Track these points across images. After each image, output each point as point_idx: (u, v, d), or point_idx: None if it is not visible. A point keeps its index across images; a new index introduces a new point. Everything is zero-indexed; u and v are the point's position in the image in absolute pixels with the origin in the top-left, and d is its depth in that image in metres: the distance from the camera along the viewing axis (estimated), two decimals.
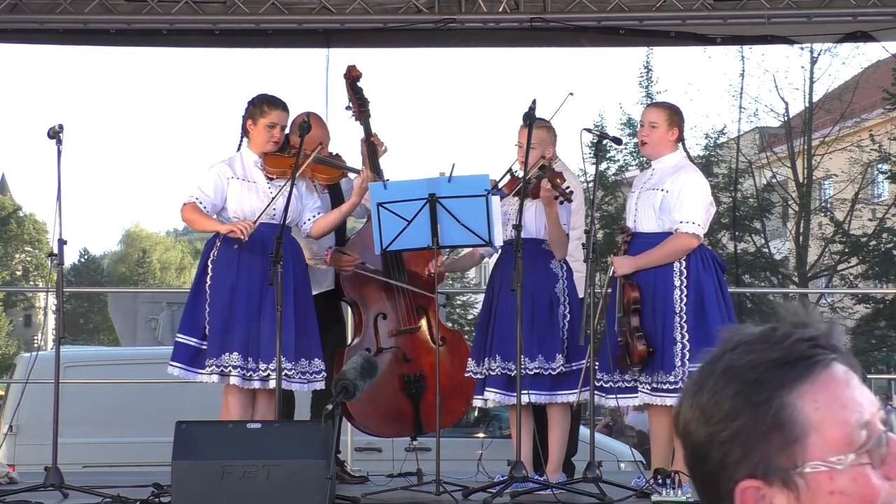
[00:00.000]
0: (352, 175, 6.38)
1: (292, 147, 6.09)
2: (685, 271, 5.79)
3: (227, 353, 5.75)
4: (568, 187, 5.89)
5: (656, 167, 5.99)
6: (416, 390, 6.44)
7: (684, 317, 5.73)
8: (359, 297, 6.47)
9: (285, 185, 5.83)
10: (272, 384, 5.74)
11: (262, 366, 5.72)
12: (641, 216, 5.89)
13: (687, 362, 5.68)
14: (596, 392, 5.83)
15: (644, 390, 5.78)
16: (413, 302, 6.52)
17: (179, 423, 5.18)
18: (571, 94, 6.02)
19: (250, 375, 5.76)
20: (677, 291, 5.76)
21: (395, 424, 6.50)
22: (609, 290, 5.88)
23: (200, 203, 5.90)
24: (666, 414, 5.77)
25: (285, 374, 5.74)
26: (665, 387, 5.70)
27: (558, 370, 5.93)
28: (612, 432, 14.51)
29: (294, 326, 5.79)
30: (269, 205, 5.84)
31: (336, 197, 6.46)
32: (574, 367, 5.97)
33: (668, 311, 5.74)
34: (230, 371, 5.74)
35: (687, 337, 5.71)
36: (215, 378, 5.77)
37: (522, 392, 5.73)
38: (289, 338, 5.77)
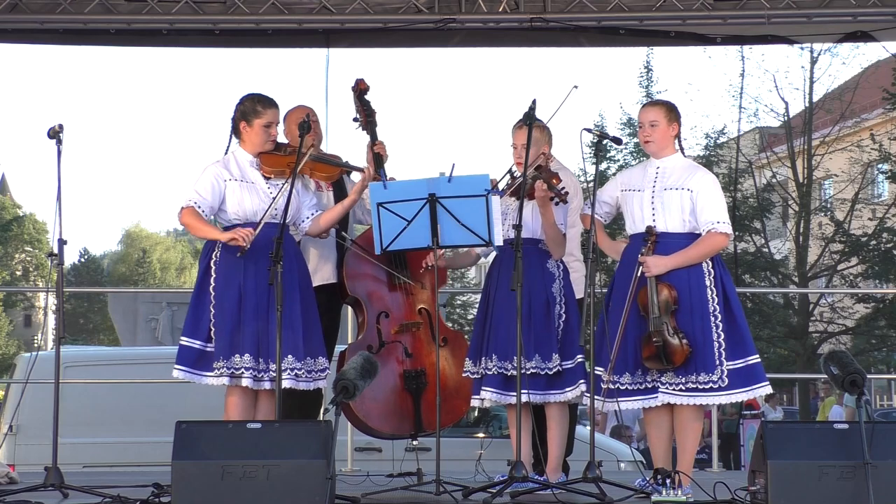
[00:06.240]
0: (355, 176, 6.39)
1: (288, 146, 6.08)
2: (712, 271, 5.80)
3: (238, 355, 5.71)
4: (563, 188, 5.88)
5: (662, 166, 5.94)
6: (417, 386, 6.44)
7: (719, 316, 5.74)
8: (362, 296, 6.47)
9: (285, 183, 5.81)
10: (284, 384, 5.71)
11: (273, 366, 5.68)
12: (665, 216, 5.82)
13: (724, 361, 5.69)
14: (600, 397, 5.80)
15: (669, 391, 5.73)
16: (416, 301, 6.52)
17: (179, 423, 5.18)
18: (576, 87, 5.97)
19: (261, 376, 5.73)
20: (709, 291, 5.76)
21: (396, 421, 6.49)
22: (633, 290, 5.76)
23: (199, 207, 5.81)
24: (695, 414, 5.78)
25: (295, 374, 5.74)
26: (703, 386, 5.68)
27: (555, 370, 5.93)
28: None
29: (302, 325, 5.79)
30: (270, 206, 5.80)
31: (340, 195, 6.45)
32: (569, 366, 5.95)
33: (705, 311, 5.74)
34: (241, 373, 5.71)
35: (722, 336, 5.72)
36: (225, 380, 5.73)
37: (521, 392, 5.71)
38: (297, 337, 5.75)
